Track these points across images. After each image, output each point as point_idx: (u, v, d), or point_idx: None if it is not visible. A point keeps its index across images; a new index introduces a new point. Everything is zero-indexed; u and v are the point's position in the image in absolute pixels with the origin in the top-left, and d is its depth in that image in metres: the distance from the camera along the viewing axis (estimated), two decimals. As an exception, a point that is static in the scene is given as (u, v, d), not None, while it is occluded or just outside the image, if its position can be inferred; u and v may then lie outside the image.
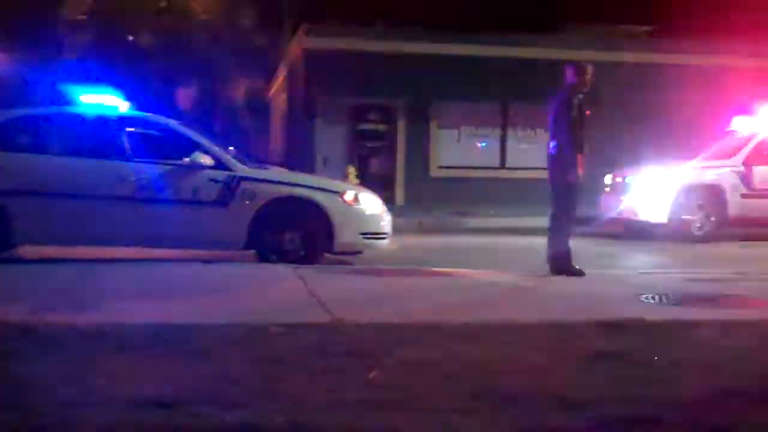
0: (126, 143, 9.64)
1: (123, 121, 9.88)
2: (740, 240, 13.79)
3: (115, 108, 9.89)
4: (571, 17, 25.11)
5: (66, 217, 9.10)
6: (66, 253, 9.41)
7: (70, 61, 24.29)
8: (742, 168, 14.09)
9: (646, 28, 25.48)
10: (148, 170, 9.40)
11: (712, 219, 13.99)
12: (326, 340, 5.16)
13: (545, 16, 25.97)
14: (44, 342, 4.93)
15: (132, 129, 9.81)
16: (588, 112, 8.79)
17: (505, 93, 21.25)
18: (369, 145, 21.62)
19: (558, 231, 8.82)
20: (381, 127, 21.67)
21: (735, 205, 13.97)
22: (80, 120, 9.79)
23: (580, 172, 8.62)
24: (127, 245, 9.57)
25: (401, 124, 21.51)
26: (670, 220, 14.02)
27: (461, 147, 21.91)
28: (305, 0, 26.81)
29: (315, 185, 9.92)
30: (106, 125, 9.68)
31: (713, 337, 5.61)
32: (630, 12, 25.71)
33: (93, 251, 9.54)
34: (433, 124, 21.71)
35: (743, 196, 13.98)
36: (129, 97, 10.30)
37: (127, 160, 9.46)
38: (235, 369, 4.45)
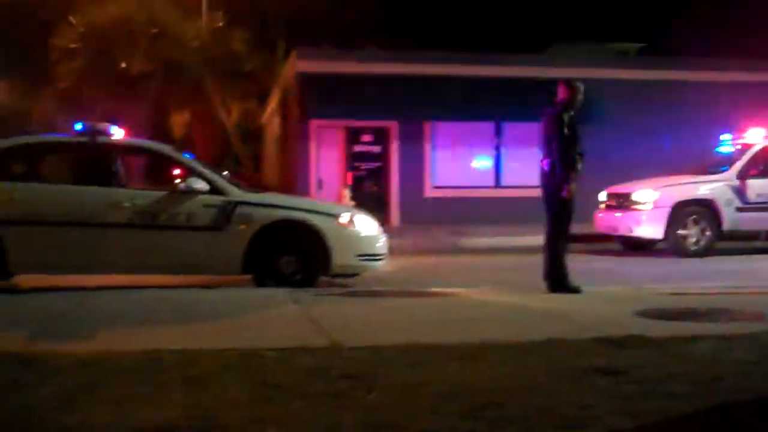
0: (120, 170, 9.65)
1: (117, 147, 9.89)
2: (736, 254, 13.80)
3: (110, 135, 9.87)
4: (561, 36, 25.27)
5: (61, 245, 9.09)
6: (62, 281, 9.38)
7: (64, 89, 24.32)
8: (736, 182, 14.13)
9: (635, 45, 25.63)
10: (143, 197, 9.40)
11: (708, 233, 14.01)
12: (323, 364, 5.14)
13: (536, 35, 26.15)
14: (42, 370, 4.90)
15: (126, 156, 9.81)
16: (579, 129, 8.82)
17: (497, 112, 21.31)
18: (363, 166, 21.64)
19: (554, 248, 8.83)
20: (375, 148, 21.70)
21: (730, 219, 14.00)
22: (74, 148, 9.80)
23: (574, 189, 8.64)
24: (123, 272, 9.54)
25: (395, 146, 21.55)
26: (665, 235, 14.05)
27: (455, 167, 21.94)
28: (298, 24, 26.94)
29: (310, 208, 9.92)
30: (100, 152, 9.68)
31: (712, 351, 5.60)
32: (619, 30, 25.91)
33: (89, 279, 9.52)
34: (427, 145, 21.75)
35: (738, 209, 14.02)
36: (123, 124, 10.30)
37: (122, 186, 9.46)
38: (233, 394, 4.42)
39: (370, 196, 20.61)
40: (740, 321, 7.03)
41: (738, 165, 14.30)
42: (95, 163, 9.63)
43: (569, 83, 9.01)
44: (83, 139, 9.66)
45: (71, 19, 24.22)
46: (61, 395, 4.38)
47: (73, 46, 24.16)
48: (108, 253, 9.16)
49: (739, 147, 14.87)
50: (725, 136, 15.44)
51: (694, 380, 4.77)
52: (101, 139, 9.72)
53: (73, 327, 6.52)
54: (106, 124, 10.03)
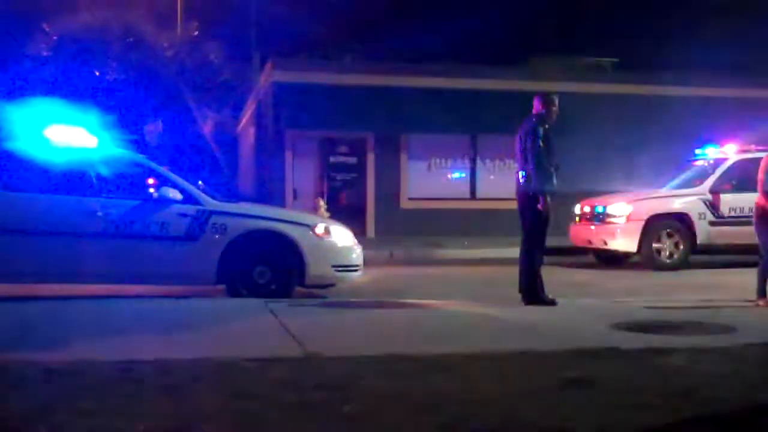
0: (93, 179, 9.56)
1: (90, 156, 9.81)
2: (709, 267, 13.90)
3: (83, 143, 9.80)
4: (537, 50, 25.40)
5: (34, 255, 8.98)
6: (34, 290, 9.27)
7: (36, 97, 24.13)
8: (709, 196, 14.25)
9: (610, 59, 25.82)
10: (117, 206, 9.32)
11: (681, 247, 14.10)
12: (298, 374, 5.11)
13: (512, 48, 26.26)
14: (14, 381, 4.83)
15: (99, 164, 9.73)
16: (555, 141, 8.86)
17: (474, 124, 21.37)
18: (339, 177, 21.62)
19: (530, 261, 8.84)
20: (351, 159, 21.69)
21: (703, 233, 14.10)
22: (46, 155, 9.70)
23: (549, 201, 8.67)
24: (96, 282, 9.44)
25: (371, 157, 21.55)
26: (639, 248, 14.13)
27: (431, 178, 21.98)
28: (274, 34, 26.92)
29: (286, 218, 9.89)
30: (73, 161, 9.59)
31: (686, 363, 5.64)
32: (595, 44, 26.09)
33: (62, 289, 9.42)
34: (403, 156, 21.77)
35: (711, 223, 14.13)
36: (96, 133, 10.22)
37: (95, 195, 9.38)
38: (207, 405, 4.39)
39: (345, 207, 20.58)
40: (713, 334, 7.07)
41: (711, 179, 14.42)
42: (68, 171, 9.54)
43: (545, 96, 9.05)
44: (56, 146, 9.59)
45: (45, 26, 24.05)
46: (35, 406, 4.32)
47: (46, 53, 23.98)
48: (81, 262, 9.04)
49: (712, 161, 15.00)
50: (703, 150, 15.57)
51: (667, 392, 4.79)
52: (75, 147, 9.64)
53: (46, 337, 6.43)
54: (82, 132, 9.95)
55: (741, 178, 13.69)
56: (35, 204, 9.24)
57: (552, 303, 8.74)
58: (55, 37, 24.02)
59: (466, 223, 20.61)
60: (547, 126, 8.86)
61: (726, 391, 4.82)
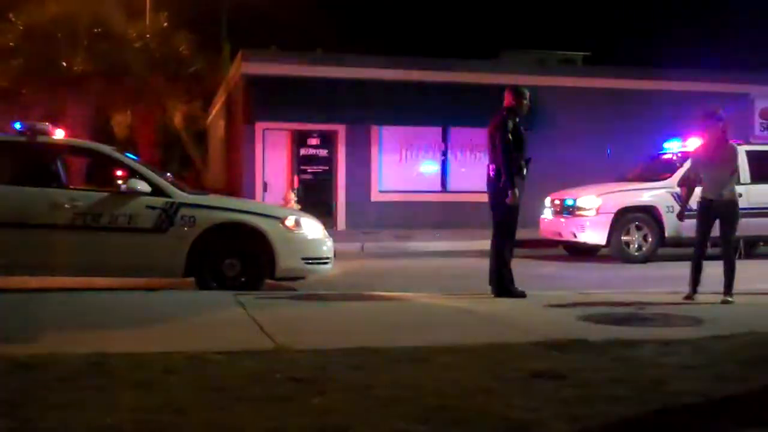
0: (61, 170, 9.46)
1: (57, 147, 9.70)
2: (677, 260, 14.01)
3: (50, 135, 9.68)
4: (509, 43, 25.53)
5: (0, 247, 8.87)
6: (1, 283, 9.16)
7: (2, 88, 23.81)
8: (677, 189, 14.34)
9: (580, 54, 26.00)
10: (84, 198, 9.23)
11: (650, 239, 14.22)
12: (268, 367, 5.09)
13: (485, 42, 26.36)
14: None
15: (67, 156, 9.63)
16: (525, 135, 8.88)
17: (445, 117, 21.40)
18: (310, 170, 21.57)
19: (500, 253, 8.87)
20: (322, 152, 21.64)
21: (672, 226, 14.21)
22: (13, 147, 9.59)
23: (520, 194, 8.69)
24: (63, 275, 9.36)
25: (342, 149, 21.51)
26: (608, 241, 14.22)
27: (402, 171, 21.98)
28: (244, 26, 26.78)
29: (255, 211, 9.84)
30: (40, 152, 9.49)
31: (653, 355, 5.68)
32: (566, 39, 26.27)
33: (31, 281, 9.32)
34: (374, 149, 21.75)
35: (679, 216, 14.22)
36: (64, 124, 10.11)
37: (62, 187, 9.28)
38: (177, 398, 4.35)
39: (316, 200, 20.54)
40: (680, 326, 7.14)
41: (679, 172, 14.51)
42: (36, 163, 9.43)
43: (515, 89, 9.06)
44: (23, 138, 9.47)
45: (11, 17, 23.70)
46: (4, 399, 4.27)
47: (12, 44, 23.64)
48: (48, 254, 8.96)
49: (680, 155, 15.10)
50: (670, 144, 15.69)
51: (635, 384, 4.82)
52: (41, 138, 9.53)
53: (14, 330, 6.36)
54: (47, 123, 9.84)
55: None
56: (2, 195, 9.11)
57: (521, 295, 8.78)
58: (21, 28, 23.67)
59: (437, 215, 20.66)
60: (517, 119, 8.87)
61: (693, 383, 4.86)
